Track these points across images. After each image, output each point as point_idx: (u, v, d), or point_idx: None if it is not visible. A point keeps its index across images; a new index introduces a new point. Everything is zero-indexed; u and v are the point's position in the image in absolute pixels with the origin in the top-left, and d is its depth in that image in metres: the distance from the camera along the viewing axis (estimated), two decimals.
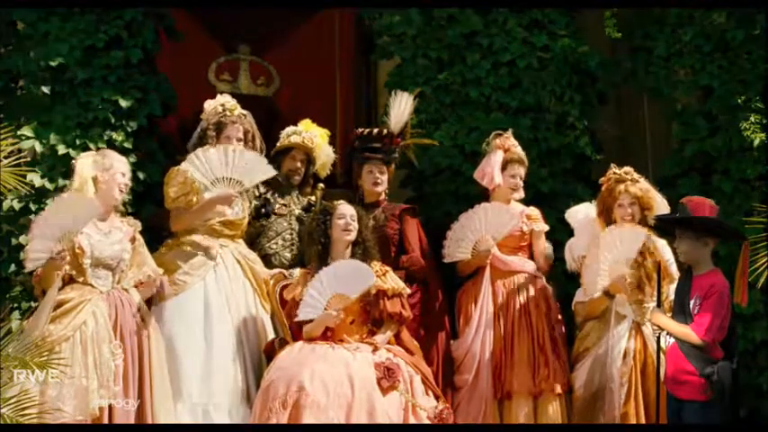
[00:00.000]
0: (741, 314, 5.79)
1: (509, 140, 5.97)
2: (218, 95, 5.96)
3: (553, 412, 5.60)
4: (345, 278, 5.19)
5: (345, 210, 5.42)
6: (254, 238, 5.87)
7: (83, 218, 4.92)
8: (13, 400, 4.28)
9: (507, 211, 5.81)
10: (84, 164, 5.19)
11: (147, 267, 5.23)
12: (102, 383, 4.85)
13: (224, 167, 5.49)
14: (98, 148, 5.93)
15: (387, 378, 5.02)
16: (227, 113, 5.77)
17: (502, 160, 5.91)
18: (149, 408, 5.00)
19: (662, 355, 5.14)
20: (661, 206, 5.66)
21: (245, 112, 5.88)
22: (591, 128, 6.85)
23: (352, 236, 5.39)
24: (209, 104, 5.86)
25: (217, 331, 5.41)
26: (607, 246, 5.49)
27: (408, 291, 5.49)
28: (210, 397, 5.30)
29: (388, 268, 5.46)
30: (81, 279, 5.02)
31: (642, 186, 5.68)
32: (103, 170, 5.16)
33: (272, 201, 5.90)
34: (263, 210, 5.84)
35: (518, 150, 5.97)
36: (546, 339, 5.69)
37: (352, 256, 5.38)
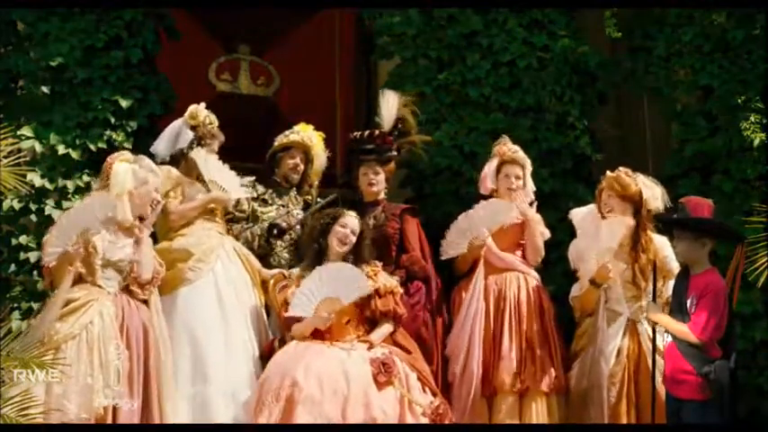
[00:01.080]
0: (740, 314, 5.80)
1: (504, 146, 6.00)
2: (194, 106, 5.85)
3: (538, 411, 5.56)
4: (340, 283, 5.20)
5: (349, 222, 5.44)
6: (263, 257, 5.84)
7: (101, 216, 4.95)
8: (14, 400, 4.28)
9: (502, 204, 5.82)
10: (125, 173, 5.16)
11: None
12: (107, 383, 4.85)
13: (219, 172, 5.62)
14: (98, 149, 5.96)
15: (383, 373, 5.02)
16: (213, 125, 5.81)
17: (496, 165, 5.95)
18: (154, 409, 4.99)
19: (657, 352, 5.14)
20: (655, 194, 5.64)
21: None
22: (591, 128, 6.85)
23: (347, 249, 5.41)
24: (201, 114, 5.82)
25: (231, 317, 5.44)
26: (592, 237, 5.52)
27: (401, 290, 5.49)
28: (234, 383, 5.30)
29: (379, 269, 5.47)
30: (90, 279, 5.02)
31: (622, 182, 5.64)
32: (140, 184, 5.18)
33: (281, 222, 5.90)
34: (274, 231, 5.85)
35: (512, 153, 5.96)
36: (535, 337, 5.67)
37: (344, 260, 5.41)
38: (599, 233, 5.53)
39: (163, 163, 5.73)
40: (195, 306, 5.40)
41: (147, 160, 5.34)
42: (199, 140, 5.75)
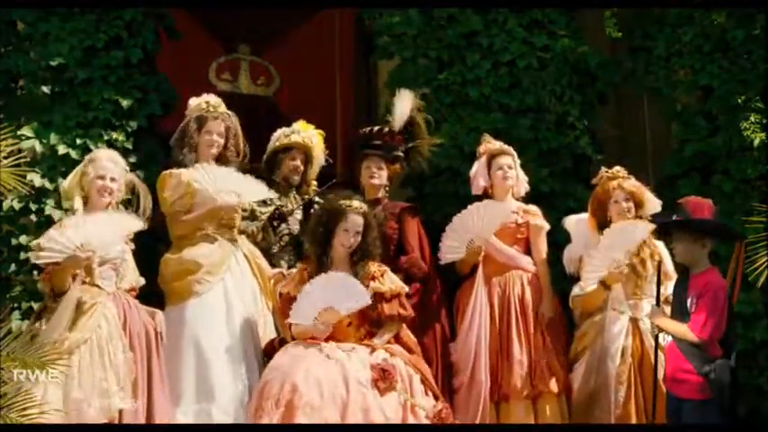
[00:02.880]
0: (741, 314, 5.80)
1: (488, 144, 6.02)
2: (205, 94, 5.84)
3: (551, 414, 5.57)
4: (338, 294, 5.14)
5: (353, 223, 5.33)
6: (266, 250, 5.81)
7: (117, 238, 5.00)
8: (13, 400, 4.27)
9: (499, 206, 5.81)
10: (71, 177, 5.29)
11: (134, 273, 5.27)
12: (119, 385, 4.85)
13: (227, 178, 5.50)
14: (98, 149, 5.93)
15: (383, 379, 5.01)
16: (210, 109, 5.69)
17: (484, 163, 5.95)
18: (157, 409, 4.99)
19: (660, 354, 5.14)
20: (653, 203, 5.68)
21: (229, 111, 5.79)
22: (591, 128, 6.85)
23: (351, 250, 5.35)
24: (193, 101, 5.77)
25: (239, 332, 5.39)
26: (609, 238, 5.49)
27: (407, 290, 5.46)
28: (239, 401, 5.26)
29: (386, 269, 5.43)
30: (88, 279, 5.01)
31: (634, 183, 5.72)
32: (83, 175, 5.21)
33: (282, 209, 5.88)
34: (276, 214, 5.83)
35: (498, 145, 5.99)
36: (543, 340, 5.67)
37: (352, 257, 5.38)
38: (616, 235, 5.49)
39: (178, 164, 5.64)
40: (203, 320, 5.35)
41: (98, 153, 5.37)
42: (184, 130, 5.62)
